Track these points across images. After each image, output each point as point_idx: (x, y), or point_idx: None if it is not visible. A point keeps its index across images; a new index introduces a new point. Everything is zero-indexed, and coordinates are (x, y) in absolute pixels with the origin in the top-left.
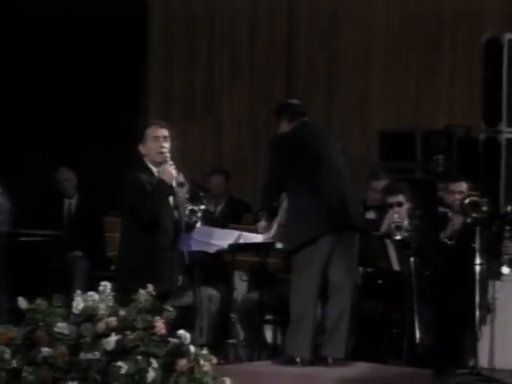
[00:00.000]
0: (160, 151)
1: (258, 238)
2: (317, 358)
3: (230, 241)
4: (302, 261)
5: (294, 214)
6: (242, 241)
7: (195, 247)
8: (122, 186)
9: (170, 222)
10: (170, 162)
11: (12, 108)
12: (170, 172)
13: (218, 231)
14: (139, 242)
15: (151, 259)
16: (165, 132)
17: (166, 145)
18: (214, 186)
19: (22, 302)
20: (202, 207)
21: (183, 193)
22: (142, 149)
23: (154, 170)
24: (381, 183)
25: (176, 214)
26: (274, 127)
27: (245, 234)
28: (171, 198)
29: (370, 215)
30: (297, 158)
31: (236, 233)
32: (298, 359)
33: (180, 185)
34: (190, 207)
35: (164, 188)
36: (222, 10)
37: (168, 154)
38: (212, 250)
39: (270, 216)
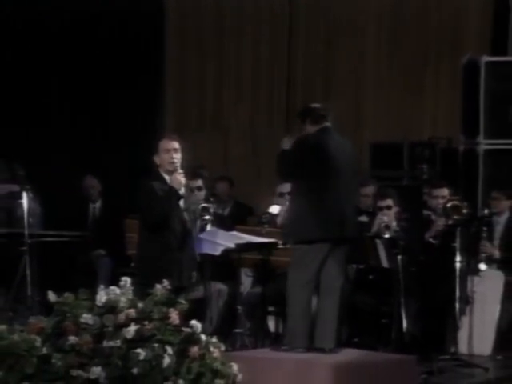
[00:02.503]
0: (171, 161)
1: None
2: (312, 348)
3: (236, 242)
4: (299, 258)
5: (300, 213)
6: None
7: (204, 249)
8: (137, 193)
9: (180, 224)
10: (180, 171)
11: (46, 123)
12: (179, 180)
13: (226, 234)
14: (150, 243)
15: (160, 258)
16: (175, 144)
17: (177, 156)
18: (220, 191)
19: (52, 296)
20: (212, 210)
21: (200, 196)
22: (156, 159)
23: (167, 178)
24: (368, 189)
25: (186, 216)
26: (276, 136)
27: (249, 238)
28: (182, 202)
29: (363, 218)
30: (315, 163)
31: (242, 237)
32: (298, 350)
33: (198, 188)
34: (203, 205)
35: (173, 194)
36: (228, 35)
37: (178, 164)
38: (218, 251)
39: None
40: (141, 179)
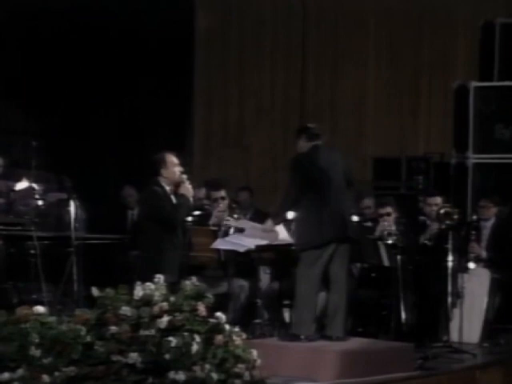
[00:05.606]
0: (180, 174)
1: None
2: (322, 336)
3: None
4: (308, 259)
5: (304, 222)
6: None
7: (230, 246)
8: (151, 199)
9: (180, 228)
10: (188, 182)
11: (91, 142)
12: (189, 189)
13: (247, 237)
14: (159, 243)
15: (167, 256)
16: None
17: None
18: (242, 200)
19: (95, 291)
20: (235, 216)
21: (224, 205)
22: (164, 173)
23: (167, 188)
24: (366, 201)
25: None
26: (291, 152)
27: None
28: None
29: (368, 224)
30: (310, 178)
31: (259, 240)
32: (302, 336)
33: (221, 198)
34: (227, 218)
35: (186, 201)
36: (249, 64)
37: (185, 175)
38: (242, 249)
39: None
40: (150, 188)
